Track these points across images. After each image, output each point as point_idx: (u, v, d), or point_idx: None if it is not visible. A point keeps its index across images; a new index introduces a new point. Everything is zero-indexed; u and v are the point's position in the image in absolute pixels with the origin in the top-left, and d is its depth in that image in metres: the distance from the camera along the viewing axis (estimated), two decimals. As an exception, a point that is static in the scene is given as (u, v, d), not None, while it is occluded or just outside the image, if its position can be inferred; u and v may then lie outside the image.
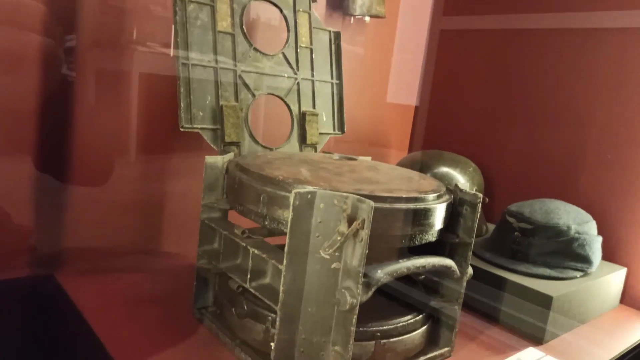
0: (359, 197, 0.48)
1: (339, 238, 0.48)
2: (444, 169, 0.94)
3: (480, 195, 0.58)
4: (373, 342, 0.54)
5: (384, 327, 0.55)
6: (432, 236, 0.56)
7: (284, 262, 0.49)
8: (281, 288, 0.50)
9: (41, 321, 0.56)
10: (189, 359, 0.55)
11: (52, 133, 0.70)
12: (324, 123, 0.82)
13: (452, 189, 0.61)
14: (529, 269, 0.76)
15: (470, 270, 0.61)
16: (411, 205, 0.53)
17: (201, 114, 0.68)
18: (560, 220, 0.78)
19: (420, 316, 0.59)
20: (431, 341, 0.63)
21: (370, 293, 0.50)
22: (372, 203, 0.47)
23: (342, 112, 0.83)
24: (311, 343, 0.52)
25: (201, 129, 0.68)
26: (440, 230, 0.58)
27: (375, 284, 0.50)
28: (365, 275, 0.50)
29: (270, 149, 0.73)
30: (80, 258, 0.75)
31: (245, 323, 0.56)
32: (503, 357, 0.63)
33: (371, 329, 0.54)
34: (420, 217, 0.53)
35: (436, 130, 1.17)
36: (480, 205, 0.58)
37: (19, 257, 0.70)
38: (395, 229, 0.52)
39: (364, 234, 0.48)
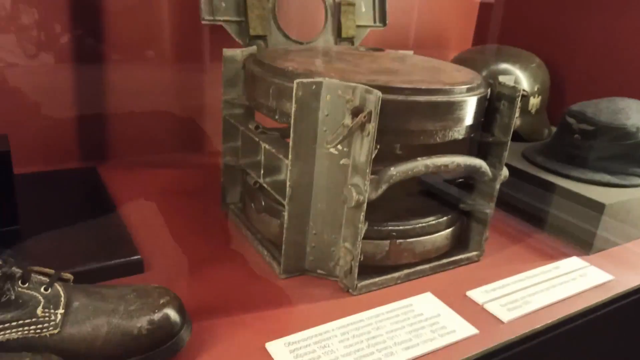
0: (366, 87, 0.44)
1: (340, 131, 0.45)
2: (502, 66, 0.85)
3: (520, 87, 0.52)
4: (388, 242, 0.52)
5: (401, 227, 0.52)
6: (458, 133, 0.51)
7: (289, 156, 0.47)
8: (287, 183, 0.48)
9: (75, 208, 0.59)
10: (212, 250, 0.56)
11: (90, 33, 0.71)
12: (362, 14, 0.75)
13: (492, 83, 0.54)
14: (584, 174, 0.69)
15: (505, 172, 0.56)
16: (431, 98, 0.48)
17: (224, 4, 0.64)
18: (628, 121, 0.69)
19: (445, 218, 0.56)
20: (461, 244, 0.60)
21: (380, 191, 0.47)
22: (379, 93, 0.43)
23: (384, 2, 0.76)
24: (322, 239, 0.51)
25: (224, 21, 0.64)
26: (470, 127, 0.52)
27: (386, 181, 0.47)
28: (376, 172, 0.47)
29: (301, 43, 0.69)
30: (121, 154, 0.78)
31: (262, 217, 0.56)
32: (539, 265, 0.59)
33: (387, 227, 0.52)
34: (442, 111, 0.48)
35: (505, 27, 1.05)
36: (519, 99, 0.52)
37: (67, 151, 0.73)
38: (413, 123, 0.48)
39: (371, 127, 0.44)
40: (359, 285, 0.51)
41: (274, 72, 0.51)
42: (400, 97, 0.46)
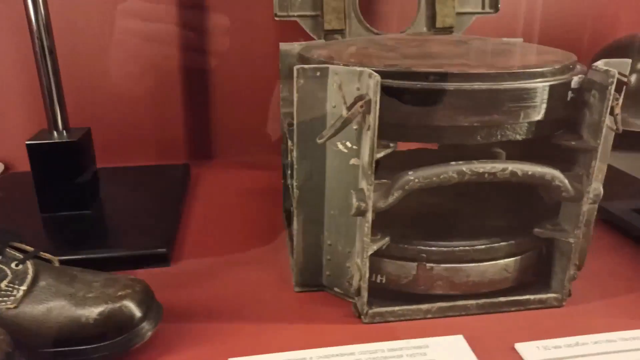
0: (370, 71, 0.36)
1: (333, 123, 0.37)
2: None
3: (614, 71, 0.37)
4: (415, 264, 0.42)
5: (433, 248, 0.42)
6: (514, 132, 0.39)
7: (295, 153, 0.42)
8: (294, 184, 0.43)
9: (142, 199, 0.62)
10: (250, 254, 0.54)
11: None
12: (467, -1, 0.64)
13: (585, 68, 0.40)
14: None
15: (596, 189, 0.41)
16: (464, 85, 0.37)
17: (299, -1, 0.62)
18: None
19: (503, 243, 0.43)
20: (542, 281, 0.45)
21: (392, 199, 0.39)
22: (378, 77, 0.35)
23: (497, -17, 0.64)
24: (337, 251, 0.44)
25: (299, 16, 0.62)
26: (540, 125, 0.39)
27: (399, 188, 0.39)
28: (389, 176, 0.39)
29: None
30: (225, 153, 0.81)
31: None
32: (659, 326, 0.42)
33: (414, 246, 0.42)
34: (483, 102, 0.37)
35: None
36: (612, 88, 0.37)
37: (176, 148, 0.79)
38: (440, 117, 0.38)
39: (371, 119, 0.36)
40: (370, 312, 0.42)
41: (301, 62, 0.46)
42: (421, 85, 0.37)
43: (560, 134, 0.41)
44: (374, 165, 0.37)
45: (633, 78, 0.65)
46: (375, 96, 0.35)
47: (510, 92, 0.37)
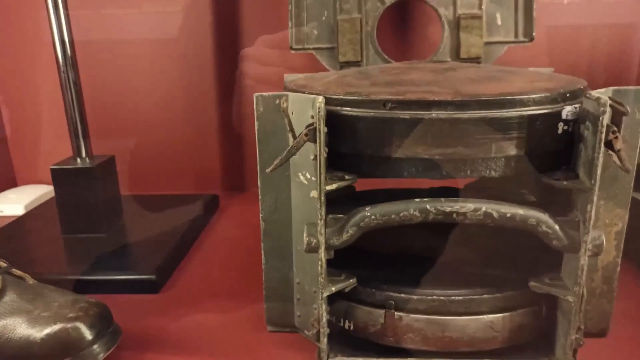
0: (317, 98, 0.34)
1: (283, 154, 0.35)
2: None
3: (606, 99, 0.31)
4: (382, 312, 0.38)
5: (402, 295, 0.37)
6: (489, 168, 0.34)
7: (259, 184, 0.40)
8: (260, 215, 0.41)
9: (159, 227, 0.63)
10: (243, 288, 0.52)
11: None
12: (496, 28, 0.60)
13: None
14: None
15: (598, 240, 0.34)
16: (419, 113, 0.33)
17: (315, 32, 0.61)
18: None
19: (488, 295, 0.37)
20: (541, 346, 0.39)
21: (347, 236, 0.36)
22: (321, 104, 0.33)
23: (531, 9, 0.59)
24: (304, 291, 0.41)
25: (315, 49, 0.61)
26: (521, 160, 0.34)
27: (354, 225, 0.35)
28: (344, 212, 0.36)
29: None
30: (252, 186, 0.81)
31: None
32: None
33: (382, 291, 0.38)
34: (443, 132, 0.33)
35: None
36: (605, 119, 0.31)
37: (212, 178, 0.81)
38: (395, 148, 0.34)
39: (317, 148, 0.34)
40: (330, 361, 0.38)
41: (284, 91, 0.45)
42: (375, 113, 0.34)
43: (552, 173, 0.35)
44: (322, 197, 0.34)
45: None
46: (320, 123, 0.33)
47: (477, 122, 0.33)
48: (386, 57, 0.60)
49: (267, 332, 0.44)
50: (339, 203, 0.38)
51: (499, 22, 0.60)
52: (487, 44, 0.60)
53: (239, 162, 0.82)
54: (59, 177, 0.59)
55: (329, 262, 0.39)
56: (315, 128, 0.33)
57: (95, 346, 0.38)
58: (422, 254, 0.42)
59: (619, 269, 0.40)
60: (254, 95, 0.38)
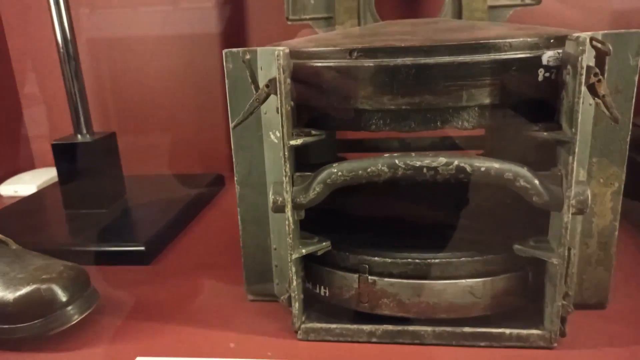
0: (285, 50, 0.32)
1: (246, 108, 0.34)
2: None
3: (585, 37, 0.28)
4: (356, 276, 0.36)
5: (377, 258, 0.35)
6: (462, 119, 0.32)
7: (232, 146, 0.39)
8: (235, 178, 0.40)
9: (160, 202, 0.64)
10: (231, 259, 0.52)
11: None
12: (501, -10, 0.57)
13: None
14: None
15: (582, 195, 0.31)
16: (389, 61, 0.31)
17: (312, 1, 0.60)
18: None
19: (466, 258, 0.35)
20: (529, 315, 0.36)
21: (314, 194, 0.34)
22: (282, 53, 0.32)
23: (538, -30, 0.56)
24: (281, 257, 0.40)
25: (311, 19, 0.60)
26: (497, 111, 0.32)
27: (321, 182, 0.34)
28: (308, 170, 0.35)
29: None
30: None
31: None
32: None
33: (356, 255, 0.36)
34: (410, 80, 0.31)
35: None
36: (583, 59, 0.29)
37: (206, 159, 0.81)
38: (365, 100, 0.32)
39: (279, 101, 0.32)
40: (303, 327, 0.37)
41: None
42: (340, 62, 0.32)
43: (533, 125, 0.32)
44: (287, 153, 0.33)
45: None
46: (280, 73, 0.31)
47: (445, 68, 0.31)
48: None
49: (248, 302, 0.43)
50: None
51: (504, -15, 0.57)
52: (491, 7, 0.57)
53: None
54: (60, 153, 0.60)
55: (305, 227, 0.38)
56: (276, 79, 0.32)
57: (69, 308, 0.38)
58: (401, 218, 0.40)
59: (617, 233, 0.37)
60: (223, 51, 0.37)
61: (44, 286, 0.37)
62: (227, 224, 0.61)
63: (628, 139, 0.35)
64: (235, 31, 0.75)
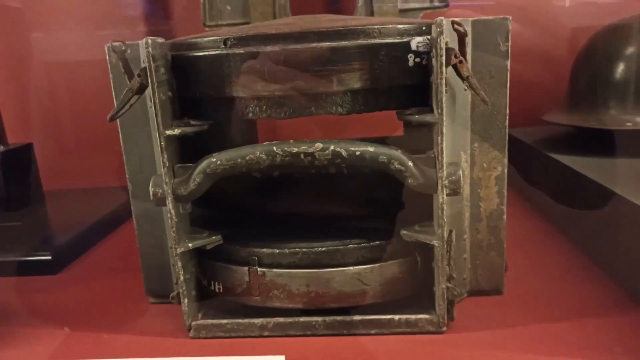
0: (148, 40, 0.32)
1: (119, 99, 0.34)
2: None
3: (441, 19, 0.29)
4: (246, 269, 0.36)
5: (263, 250, 0.35)
6: (336, 104, 0.32)
7: (121, 142, 0.39)
8: (126, 175, 0.39)
9: (84, 216, 0.62)
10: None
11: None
12: (411, -6, 0.58)
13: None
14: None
15: (454, 175, 0.32)
16: (260, 48, 0.31)
17: (229, 8, 0.60)
18: None
19: (354, 245, 0.35)
20: (427, 301, 0.36)
21: (194, 185, 0.34)
22: (150, 43, 0.31)
23: (444, -26, 0.57)
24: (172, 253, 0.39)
25: (228, 24, 0.60)
26: (370, 95, 0.32)
27: (201, 172, 0.33)
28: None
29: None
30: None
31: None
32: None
33: (246, 247, 0.36)
34: (280, 65, 0.31)
35: None
36: (442, 41, 0.29)
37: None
38: (240, 87, 0.32)
39: (151, 91, 0.32)
40: (194, 324, 0.36)
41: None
42: (214, 52, 0.32)
43: (407, 109, 0.33)
44: (162, 143, 0.33)
45: (622, 67, 0.53)
46: (151, 62, 0.31)
47: (313, 53, 0.31)
48: (300, 29, 0.58)
49: (149, 304, 0.42)
50: None
51: (414, -12, 0.58)
52: (402, 11, 0.58)
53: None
54: (-32, 164, 0.58)
55: (197, 223, 0.37)
56: (144, 68, 0.32)
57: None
58: (294, 212, 0.40)
59: (505, 216, 0.38)
60: (105, 46, 0.37)
61: None
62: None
63: (507, 123, 0.36)
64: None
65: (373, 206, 0.39)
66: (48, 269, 0.49)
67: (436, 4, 0.58)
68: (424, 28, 0.33)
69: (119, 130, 0.38)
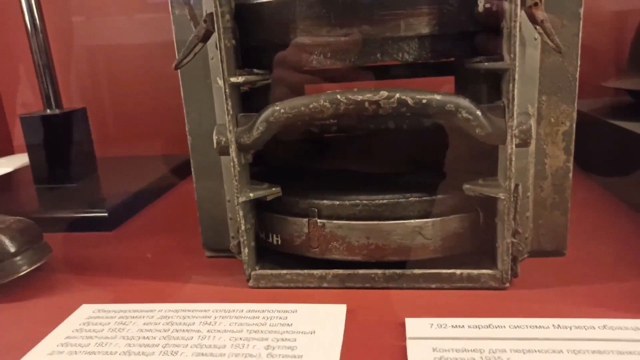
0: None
1: (186, 45, 0.34)
2: None
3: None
4: (305, 220, 0.36)
5: (324, 201, 0.35)
6: (402, 51, 0.32)
7: (182, 95, 0.39)
8: (186, 128, 0.40)
9: (134, 181, 0.63)
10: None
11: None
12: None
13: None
14: None
15: (525, 124, 0.31)
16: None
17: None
18: None
19: (415, 198, 0.34)
20: (487, 258, 0.36)
21: (257, 134, 0.34)
22: (218, -14, 0.31)
23: None
24: (234, 208, 0.39)
25: None
26: (438, 41, 0.32)
27: (264, 120, 0.33)
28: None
29: None
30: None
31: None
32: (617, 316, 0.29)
33: (305, 199, 0.36)
34: (345, 10, 0.31)
35: None
36: (520, -18, 0.28)
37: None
38: (303, 33, 0.32)
39: (217, 37, 0.32)
40: (254, 274, 0.36)
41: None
42: (278, -2, 0.32)
43: (475, 57, 0.32)
44: (227, 90, 0.33)
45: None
46: (217, 7, 0.31)
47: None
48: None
49: (205, 258, 0.43)
50: None
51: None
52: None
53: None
54: (28, 126, 0.60)
55: (257, 177, 0.37)
56: (211, 13, 0.32)
57: (17, 258, 0.37)
58: (354, 165, 0.40)
59: (571, 175, 0.36)
60: (169, -3, 0.37)
61: (-11, 238, 0.37)
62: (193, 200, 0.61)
63: (577, 75, 0.34)
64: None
65: (431, 161, 0.39)
66: (104, 226, 0.51)
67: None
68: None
69: (180, 83, 0.39)
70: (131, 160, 0.72)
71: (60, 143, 0.60)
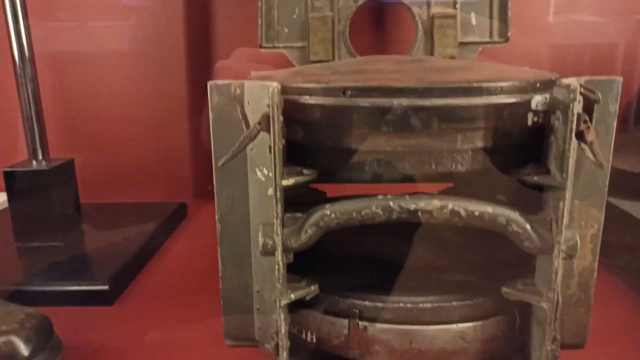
0: (272, 84, 0.31)
1: (235, 146, 0.33)
2: None
3: (576, 84, 0.29)
4: (346, 321, 0.35)
5: (366, 303, 0.35)
6: (456, 162, 0.32)
7: (214, 181, 0.37)
8: (216, 216, 0.38)
9: (125, 235, 0.60)
10: (207, 300, 0.49)
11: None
12: (471, 28, 0.58)
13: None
14: None
15: (572, 240, 0.32)
16: (384, 101, 0.31)
17: (286, 30, 0.59)
18: None
19: (458, 302, 0.34)
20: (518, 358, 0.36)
21: (305, 237, 0.33)
22: (275, 89, 0.30)
23: (506, 9, 0.57)
24: (264, 300, 0.38)
25: (285, 47, 0.59)
26: (489, 154, 0.32)
27: (313, 224, 0.33)
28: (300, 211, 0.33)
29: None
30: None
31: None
32: None
33: (346, 299, 0.35)
34: (406, 121, 0.31)
35: None
36: (575, 106, 0.29)
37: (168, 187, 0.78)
38: (358, 139, 0.32)
39: (271, 138, 0.31)
40: (289, 374, 0.35)
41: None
42: (334, 100, 0.32)
43: (523, 169, 0.33)
44: (278, 194, 0.32)
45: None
46: (273, 110, 0.30)
47: (441, 111, 0.30)
48: (358, 55, 0.58)
49: (226, 347, 0.41)
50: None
51: (474, 22, 0.58)
52: (462, 44, 0.58)
53: (210, 169, 0.79)
54: (12, 181, 0.56)
55: (289, 267, 0.36)
56: (269, 116, 0.31)
57: (30, 362, 0.34)
58: (390, 258, 0.39)
59: (595, 274, 0.38)
60: (208, 83, 0.36)
61: (3, 339, 0.34)
62: (194, 258, 0.59)
63: (607, 183, 0.36)
64: (202, 57, 0.74)
65: (467, 256, 0.39)
66: (104, 299, 0.48)
67: (496, 39, 0.58)
68: (538, 85, 0.33)
69: (213, 168, 0.37)
70: (117, 209, 0.68)
71: (46, 199, 0.57)
